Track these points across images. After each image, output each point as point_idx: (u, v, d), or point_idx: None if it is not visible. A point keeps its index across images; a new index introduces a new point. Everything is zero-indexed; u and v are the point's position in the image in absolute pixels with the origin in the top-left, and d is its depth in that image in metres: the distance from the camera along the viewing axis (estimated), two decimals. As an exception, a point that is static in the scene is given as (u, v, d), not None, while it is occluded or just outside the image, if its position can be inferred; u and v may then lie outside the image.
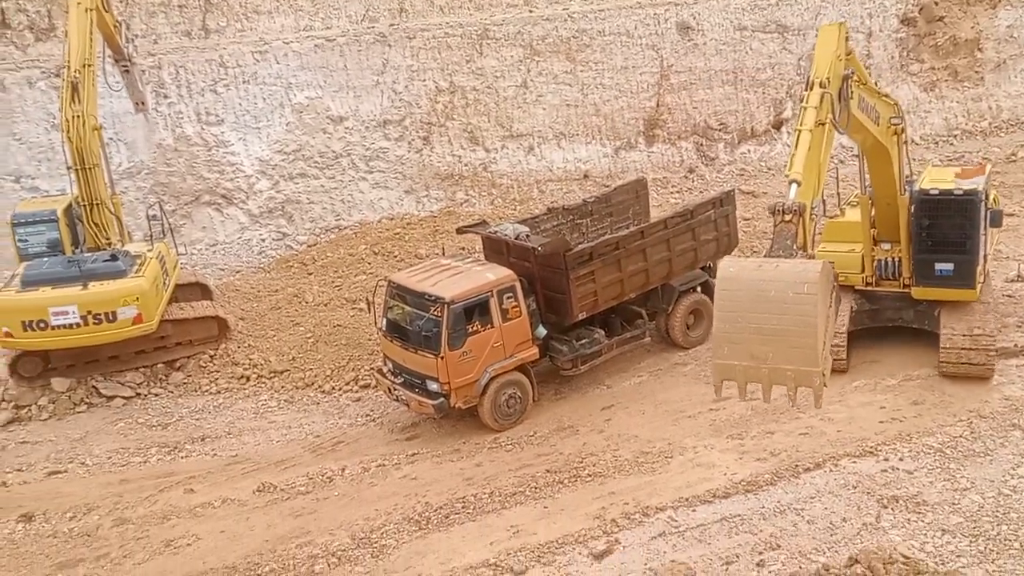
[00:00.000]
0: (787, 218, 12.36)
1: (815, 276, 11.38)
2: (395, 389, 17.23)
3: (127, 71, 24.60)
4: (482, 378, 16.66)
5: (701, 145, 30.33)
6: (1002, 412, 15.59)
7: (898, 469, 14.39)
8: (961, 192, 16.58)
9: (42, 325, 18.47)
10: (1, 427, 18.68)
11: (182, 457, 17.38)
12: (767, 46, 31.07)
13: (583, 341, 18.06)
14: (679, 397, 17.62)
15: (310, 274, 24.36)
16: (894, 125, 16.09)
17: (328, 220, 26.72)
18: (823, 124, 13.37)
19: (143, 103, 25.25)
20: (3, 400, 19.20)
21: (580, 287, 17.56)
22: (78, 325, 18.56)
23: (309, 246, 26.00)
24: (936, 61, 32.51)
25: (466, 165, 28.25)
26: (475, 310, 16.53)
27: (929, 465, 14.41)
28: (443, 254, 19.88)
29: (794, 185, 12.64)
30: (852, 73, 14.20)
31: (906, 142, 16.87)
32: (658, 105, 28.52)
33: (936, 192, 16.72)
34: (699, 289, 19.77)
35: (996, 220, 17.42)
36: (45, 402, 19.17)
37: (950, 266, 16.86)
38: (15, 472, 17.14)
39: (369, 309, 17.74)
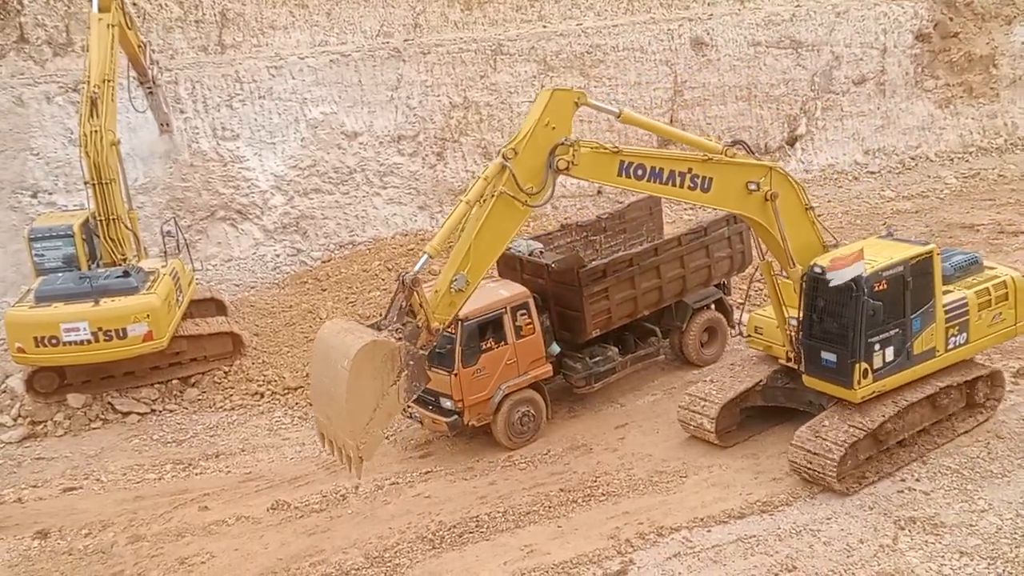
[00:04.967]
0: (398, 288, 12.90)
1: (352, 353, 11.99)
2: (408, 406, 17.18)
3: (151, 93, 24.68)
4: (496, 395, 16.58)
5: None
6: (1020, 433, 15.45)
7: (915, 490, 14.29)
8: (842, 281, 13.95)
9: (54, 341, 18.54)
10: (17, 443, 18.75)
11: (196, 474, 17.39)
12: (781, 62, 31.11)
13: (597, 359, 17.97)
14: (693, 415, 17.52)
15: (324, 290, 24.39)
16: (752, 191, 14.28)
17: (342, 236, 26.81)
18: (493, 197, 13.04)
19: (168, 124, 25.38)
20: (19, 416, 19.26)
21: (594, 304, 17.52)
22: (89, 342, 18.62)
23: (323, 262, 26.06)
24: (951, 77, 32.48)
25: (480, 181, 28.27)
26: (488, 327, 16.49)
27: (946, 486, 14.30)
28: (457, 271, 19.83)
29: (425, 256, 12.84)
30: (571, 141, 13.22)
31: (809, 207, 14.95)
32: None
33: (819, 271, 14.34)
34: (713, 307, 19.69)
35: (874, 318, 14.13)
36: (61, 418, 19.23)
37: (834, 357, 14.59)
38: (31, 488, 17.18)
39: (383, 326, 17.72)
